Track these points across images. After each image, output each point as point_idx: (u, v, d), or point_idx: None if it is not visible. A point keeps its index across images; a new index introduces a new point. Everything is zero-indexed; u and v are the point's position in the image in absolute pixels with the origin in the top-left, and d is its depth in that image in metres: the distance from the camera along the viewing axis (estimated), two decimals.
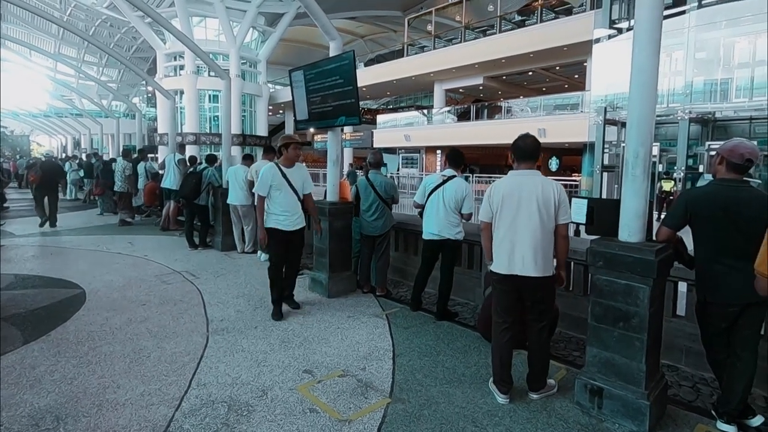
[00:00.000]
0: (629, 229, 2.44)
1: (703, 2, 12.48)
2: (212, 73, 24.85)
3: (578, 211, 2.88)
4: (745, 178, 2.39)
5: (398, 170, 23.86)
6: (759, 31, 11.56)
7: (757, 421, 2.41)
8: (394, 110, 29.94)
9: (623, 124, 12.83)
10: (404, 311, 4.25)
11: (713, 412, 2.50)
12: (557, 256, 2.70)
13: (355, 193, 4.94)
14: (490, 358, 2.96)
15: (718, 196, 2.37)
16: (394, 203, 4.95)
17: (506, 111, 19.74)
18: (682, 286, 3.33)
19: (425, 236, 4.10)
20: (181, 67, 26.86)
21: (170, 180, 8.48)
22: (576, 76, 20.04)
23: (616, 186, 13.60)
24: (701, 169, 12.41)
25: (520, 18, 19.29)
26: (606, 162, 14.05)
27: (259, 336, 3.62)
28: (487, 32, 19.98)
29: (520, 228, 2.61)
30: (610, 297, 2.45)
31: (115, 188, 9.59)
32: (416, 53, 22.59)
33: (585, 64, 16.49)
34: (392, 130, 24.17)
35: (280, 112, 33.61)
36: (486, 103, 21.46)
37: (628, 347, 2.40)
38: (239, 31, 25.83)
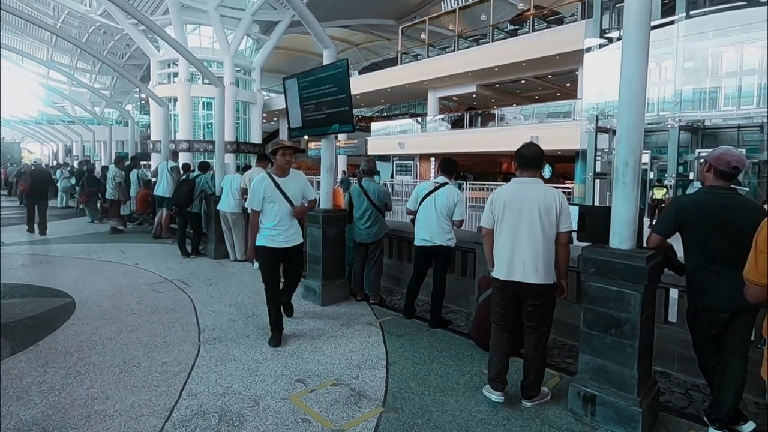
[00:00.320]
0: (620, 236, 2.46)
1: (691, 13, 12.72)
2: (206, 81, 24.76)
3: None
4: (733, 186, 2.43)
5: (392, 177, 23.92)
6: (746, 40, 11.80)
7: (749, 427, 2.42)
8: (388, 118, 30.04)
9: (614, 132, 12.97)
10: (398, 319, 4.24)
11: (705, 419, 2.50)
12: (558, 266, 2.70)
13: (348, 200, 4.94)
14: (483, 366, 2.95)
15: (706, 204, 2.40)
16: (387, 210, 4.96)
17: (499, 119, 19.92)
18: (674, 293, 3.36)
19: (417, 242, 4.12)
20: (175, 75, 26.79)
21: (163, 187, 8.43)
22: (568, 84, 20.28)
23: (608, 193, 13.72)
24: (691, 176, 12.57)
25: (512, 27, 19.55)
26: (598, 169, 14.19)
27: (252, 345, 3.58)
28: (480, 41, 20.20)
29: (522, 235, 2.62)
30: (601, 303, 2.47)
31: (107, 195, 9.53)
32: (410, 61, 22.75)
33: (577, 72, 16.71)
34: (386, 137, 24.27)
35: (275, 119, 33.61)
36: (479, 111, 21.64)
37: (620, 354, 2.41)
38: (233, 39, 25.87)
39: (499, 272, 2.71)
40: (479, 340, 3.50)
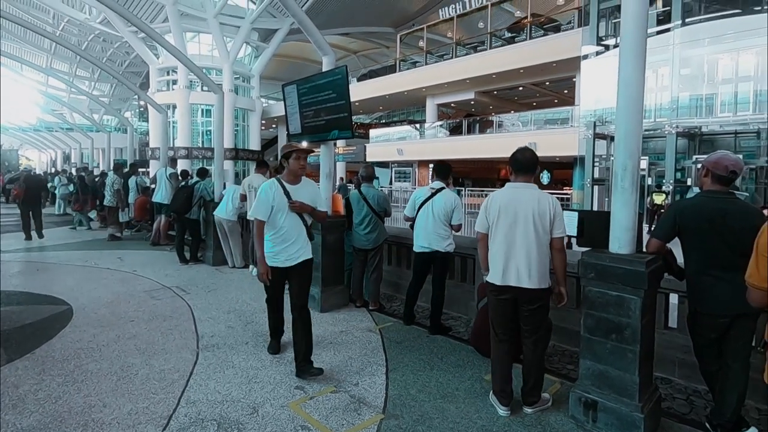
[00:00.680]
0: (619, 241, 2.46)
1: (686, 20, 12.84)
2: (205, 88, 24.92)
3: (569, 223, 2.90)
4: (730, 191, 2.44)
5: (391, 183, 23.95)
6: (741, 47, 11.90)
7: None
8: (387, 125, 30.15)
9: (612, 138, 13.04)
10: (397, 325, 4.22)
11: (707, 425, 2.49)
12: (556, 272, 2.69)
13: (345, 206, 4.94)
14: (484, 372, 2.93)
15: (704, 208, 2.41)
16: (386, 216, 4.96)
17: (498, 125, 20.01)
18: (674, 298, 3.35)
19: (416, 249, 4.11)
20: (174, 82, 26.89)
21: (161, 194, 8.42)
22: (566, 91, 20.41)
23: (606, 199, 13.76)
24: (689, 182, 12.63)
25: (510, 35, 19.71)
26: (596, 175, 14.23)
27: (250, 352, 3.56)
28: (478, 48, 20.35)
29: (516, 240, 2.62)
30: (602, 309, 2.46)
31: (105, 203, 9.53)
32: (408, 69, 22.91)
33: (574, 79, 16.81)
34: (385, 144, 24.33)
35: (273, 126, 33.71)
36: (478, 118, 21.75)
37: (621, 359, 2.40)
38: (233, 47, 26.01)
39: (493, 277, 2.71)
40: (479, 347, 3.49)
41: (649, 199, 12.57)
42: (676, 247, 2.56)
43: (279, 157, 3.36)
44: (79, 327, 4.06)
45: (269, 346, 3.57)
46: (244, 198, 6.08)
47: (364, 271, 4.86)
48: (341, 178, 22.30)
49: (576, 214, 2.90)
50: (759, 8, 11.73)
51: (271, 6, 24.52)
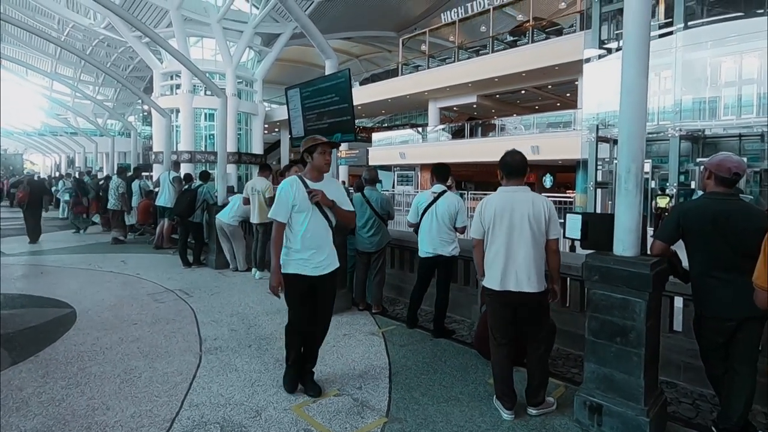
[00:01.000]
0: (624, 243, 2.45)
1: (689, 23, 12.84)
2: (208, 92, 25.06)
3: (573, 226, 2.90)
4: (734, 192, 2.43)
5: (393, 187, 23.96)
6: (744, 50, 11.88)
7: None
8: (389, 128, 30.20)
9: (615, 141, 13.01)
10: (400, 329, 4.21)
11: (713, 429, 2.47)
12: (550, 271, 2.71)
13: None
14: (487, 375, 2.92)
15: (707, 210, 2.40)
16: (389, 219, 4.95)
17: (500, 129, 20.00)
18: (678, 302, 3.33)
19: (421, 254, 4.11)
20: (178, 86, 27.05)
21: (165, 198, 8.46)
22: (568, 94, 20.39)
23: (609, 202, 13.72)
24: (693, 185, 12.58)
25: (511, 38, 19.75)
26: (599, 178, 14.20)
27: (254, 355, 3.56)
28: (480, 52, 20.40)
29: (513, 244, 2.61)
30: (606, 311, 2.45)
31: (108, 206, 9.57)
32: (410, 72, 22.94)
33: (576, 83, 16.81)
34: (387, 147, 24.36)
35: (276, 130, 33.82)
36: (480, 121, 21.73)
37: (626, 362, 2.38)
38: (236, 51, 26.17)
39: (491, 282, 2.68)
40: (482, 350, 3.47)
41: (653, 202, 12.53)
42: (681, 250, 2.55)
43: (301, 152, 2.98)
44: (83, 330, 4.07)
45: (284, 382, 2.97)
46: (247, 201, 6.08)
47: (367, 274, 4.86)
48: (343, 182, 22.33)
49: (579, 216, 2.90)
50: (762, 11, 11.71)
51: (274, 11, 24.69)
